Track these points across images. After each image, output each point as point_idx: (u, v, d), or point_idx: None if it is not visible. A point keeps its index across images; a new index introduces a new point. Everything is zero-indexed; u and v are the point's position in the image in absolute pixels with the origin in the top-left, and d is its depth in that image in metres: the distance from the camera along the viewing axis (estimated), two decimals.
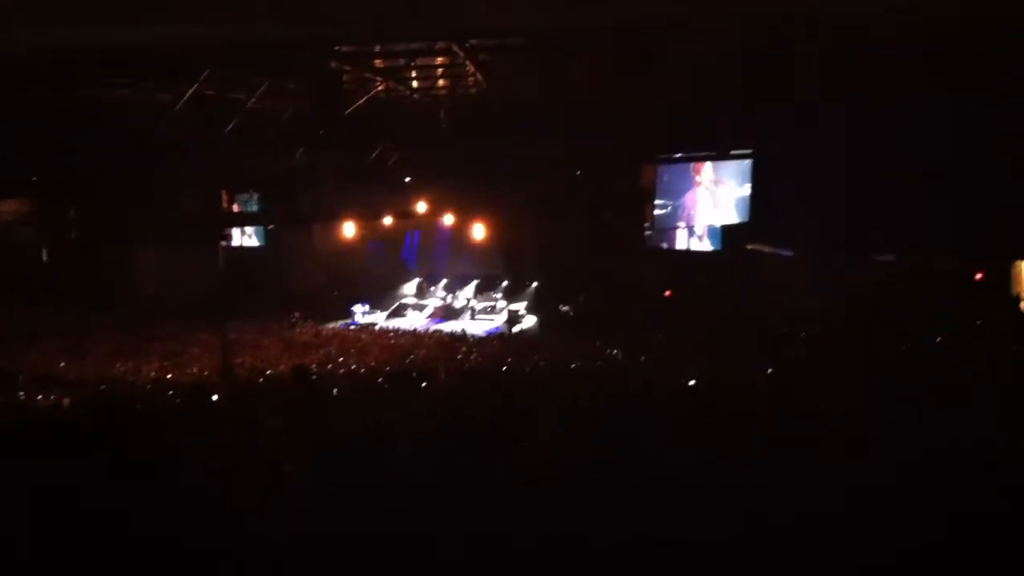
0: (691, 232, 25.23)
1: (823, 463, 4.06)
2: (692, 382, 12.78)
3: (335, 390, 14.27)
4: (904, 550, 3.30)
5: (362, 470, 4.13)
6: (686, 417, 7.34)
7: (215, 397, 11.33)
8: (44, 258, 20.45)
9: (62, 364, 20.81)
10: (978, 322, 18.66)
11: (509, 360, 19.94)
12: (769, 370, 12.42)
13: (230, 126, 16.53)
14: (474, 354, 22.48)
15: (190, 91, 14.68)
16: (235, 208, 22.22)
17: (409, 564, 3.37)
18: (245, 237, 28.19)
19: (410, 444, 4.78)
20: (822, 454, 4.66)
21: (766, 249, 24.92)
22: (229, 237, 21.43)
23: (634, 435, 5.60)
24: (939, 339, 18.47)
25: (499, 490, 3.56)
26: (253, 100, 16.23)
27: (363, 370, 20.11)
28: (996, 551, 3.30)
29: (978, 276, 21.49)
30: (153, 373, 20.14)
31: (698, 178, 20.87)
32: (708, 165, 20.59)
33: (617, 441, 4.84)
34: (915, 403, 6.19)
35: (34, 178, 16.65)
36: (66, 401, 14.99)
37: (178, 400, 12.47)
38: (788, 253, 24.51)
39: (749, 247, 24.88)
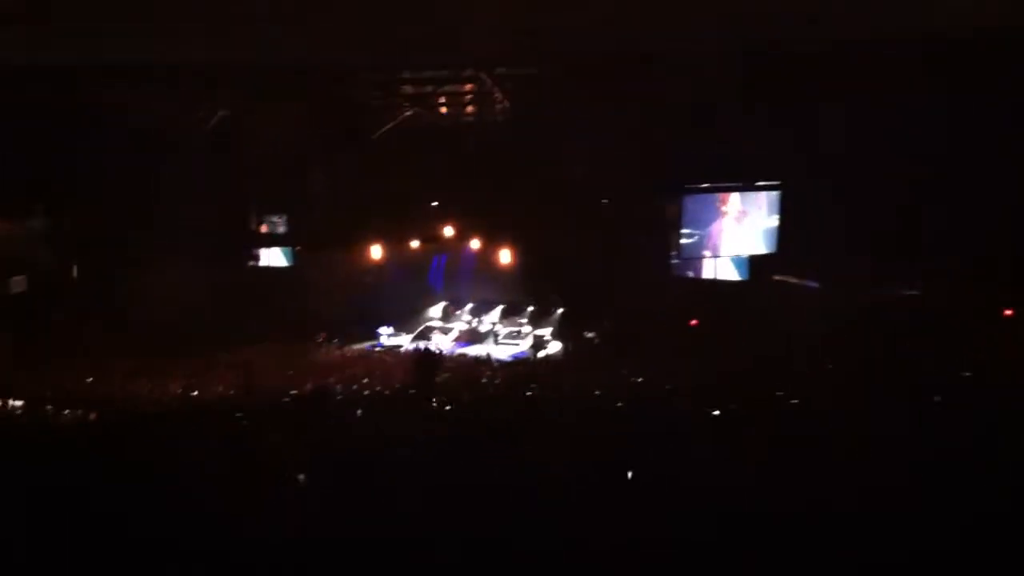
0: (719, 261, 25.18)
1: (836, 493, 4.05)
2: (716, 412, 12.75)
3: (358, 411, 14.35)
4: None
5: (372, 483, 4.16)
6: (708, 443, 7.33)
7: (239, 415, 11.44)
8: (74, 274, 20.70)
9: (89, 380, 21.01)
10: (1007, 359, 18.46)
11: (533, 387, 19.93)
12: (793, 401, 12.38)
13: (262, 149, 16.72)
14: (498, 379, 22.48)
15: (222, 114, 14.89)
16: (263, 229, 22.41)
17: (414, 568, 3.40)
18: (273, 257, 28.39)
19: (418, 450, 4.82)
20: (838, 486, 4.64)
21: (792, 280, 24.81)
22: (257, 257, 21.63)
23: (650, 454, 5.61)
24: (967, 375, 18.28)
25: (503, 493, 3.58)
26: (285, 124, 16.42)
27: (387, 392, 20.16)
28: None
29: (1008, 312, 21.26)
30: (179, 391, 20.28)
31: (724, 208, 20.84)
32: (735, 195, 20.58)
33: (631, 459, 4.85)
34: (934, 441, 6.15)
35: (63, 197, 16.92)
36: (92, 417, 15.15)
37: (202, 418, 12.56)
38: (814, 285, 24.39)
39: (776, 278, 24.78)
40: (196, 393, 20.08)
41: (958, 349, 19.45)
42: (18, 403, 18.03)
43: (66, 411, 16.37)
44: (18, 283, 20.10)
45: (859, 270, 21.31)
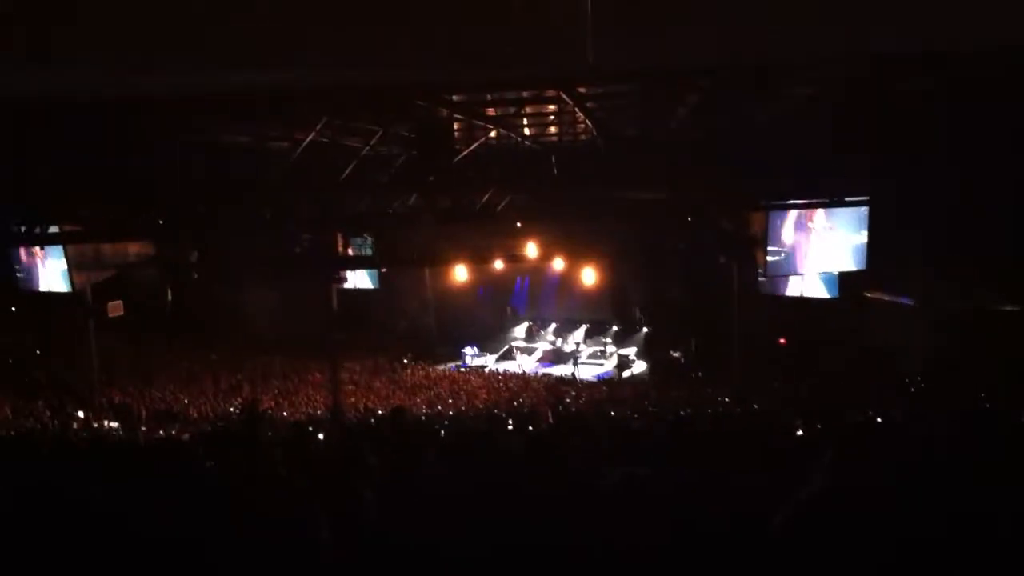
0: (807, 279, 24.73)
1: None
2: (800, 432, 12.51)
3: (441, 431, 14.43)
4: None
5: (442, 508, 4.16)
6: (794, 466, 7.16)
7: (321, 436, 11.58)
8: (168, 297, 21.34)
9: (182, 399, 21.58)
10: None
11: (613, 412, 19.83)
12: (878, 420, 12.06)
13: (346, 172, 16.98)
14: (583, 399, 22.45)
15: (308, 138, 15.16)
16: (350, 251, 22.77)
17: None
18: (359, 278, 28.86)
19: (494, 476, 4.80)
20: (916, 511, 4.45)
21: (885, 297, 24.23)
22: (343, 278, 21.97)
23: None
24: None
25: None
26: (368, 148, 16.65)
27: (471, 412, 20.29)
28: None
29: None
30: (269, 411, 20.69)
31: (811, 224, 20.45)
32: (822, 211, 20.19)
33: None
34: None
35: (160, 220, 17.43)
36: (185, 436, 15.54)
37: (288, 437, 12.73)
38: (908, 302, 23.78)
39: (867, 295, 24.24)
40: (285, 413, 20.48)
41: None
42: (114, 423, 18.63)
43: (159, 430, 16.82)
44: (115, 307, 20.75)
45: (954, 286, 20.74)
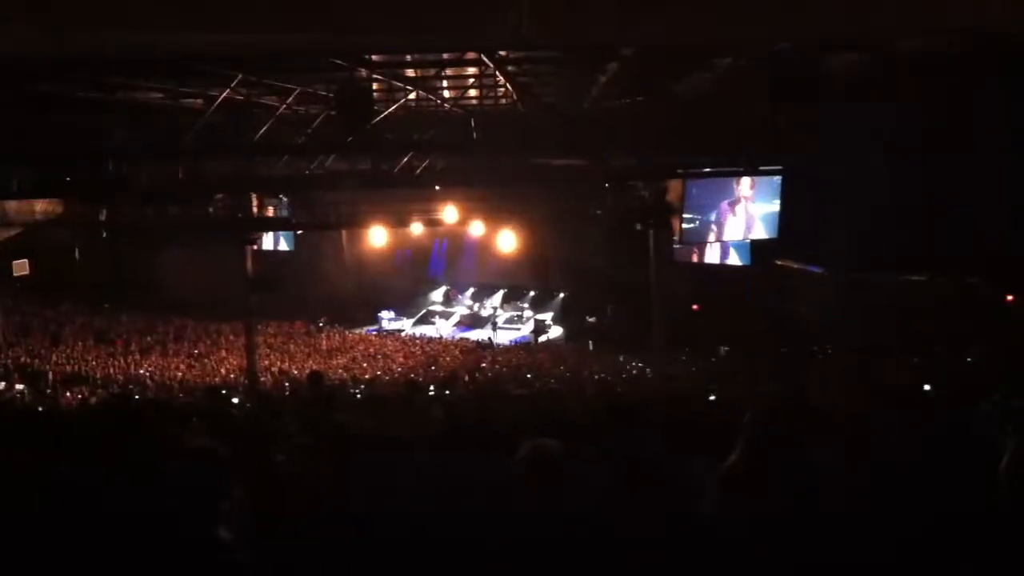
0: (721, 246, 25.10)
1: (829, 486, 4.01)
2: (712, 397, 12.78)
3: (358, 393, 14.40)
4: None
5: (367, 473, 4.15)
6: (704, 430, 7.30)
7: (235, 400, 11.46)
8: (77, 256, 20.75)
9: (91, 362, 21.06)
10: (1009, 344, 18.42)
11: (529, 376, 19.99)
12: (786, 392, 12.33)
13: (261, 131, 16.66)
14: (498, 363, 22.55)
15: (222, 96, 14.82)
16: (268, 211, 22.38)
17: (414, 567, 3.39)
18: (276, 241, 28.44)
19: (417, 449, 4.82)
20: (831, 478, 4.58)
21: (795, 265, 24.78)
22: (259, 240, 21.55)
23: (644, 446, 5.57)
24: (968, 359, 18.29)
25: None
26: (284, 107, 16.35)
27: (387, 376, 20.25)
28: None
29: (1009, 298, 21.23)
30: (180, 374, 20.34)
31: (727, 193, 20.71)
32: (738, 180, 20.45)
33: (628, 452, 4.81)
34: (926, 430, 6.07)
35: (68, 177, 16.88)
36: (93, 399, 15.19)
37: (201, 401, 12.55)
38: (817, 270, 24.37)
39: (778, 263, 24.74)
40: (197, 377, 20.16)
41: (960, 337, 19.46)
42: (20, 386, 18.11)
43: (67, 392, 16.41)
44: (20, 267, 20.11)
45: (863, 256, 21.30)
